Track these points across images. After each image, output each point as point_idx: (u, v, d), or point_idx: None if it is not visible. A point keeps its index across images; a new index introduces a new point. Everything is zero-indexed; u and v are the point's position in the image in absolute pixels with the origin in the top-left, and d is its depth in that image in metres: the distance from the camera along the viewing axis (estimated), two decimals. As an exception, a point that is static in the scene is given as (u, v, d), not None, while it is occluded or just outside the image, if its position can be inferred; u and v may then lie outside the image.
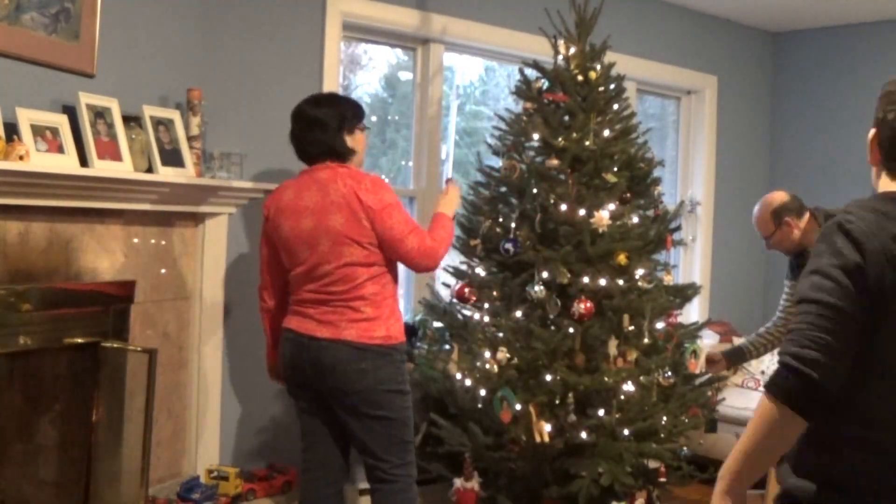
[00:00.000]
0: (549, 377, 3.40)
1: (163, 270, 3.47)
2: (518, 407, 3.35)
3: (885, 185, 1.67)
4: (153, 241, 3.42)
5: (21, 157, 2.73)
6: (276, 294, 3.09)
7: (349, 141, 3.01)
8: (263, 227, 3.05)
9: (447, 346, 3.84)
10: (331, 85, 4.01)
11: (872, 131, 1.71)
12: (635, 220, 3.66)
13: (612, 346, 3.46)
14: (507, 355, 3.44)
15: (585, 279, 3.46)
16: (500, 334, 3.51)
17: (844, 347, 1.47)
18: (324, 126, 2.96)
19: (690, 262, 5.72)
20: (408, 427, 3.00)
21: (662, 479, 3.62)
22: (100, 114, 3.07)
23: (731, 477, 1.54)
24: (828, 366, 1.45)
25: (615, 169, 3.63)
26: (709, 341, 5.11)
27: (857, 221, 1.54)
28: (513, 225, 3.64)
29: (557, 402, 3.43)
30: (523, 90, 3.82)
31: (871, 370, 1.50)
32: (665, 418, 3.52)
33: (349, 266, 2.86)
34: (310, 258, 2.89)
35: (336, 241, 2.85)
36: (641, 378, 3.50)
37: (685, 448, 3.67)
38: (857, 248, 1.51)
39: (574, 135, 3.60)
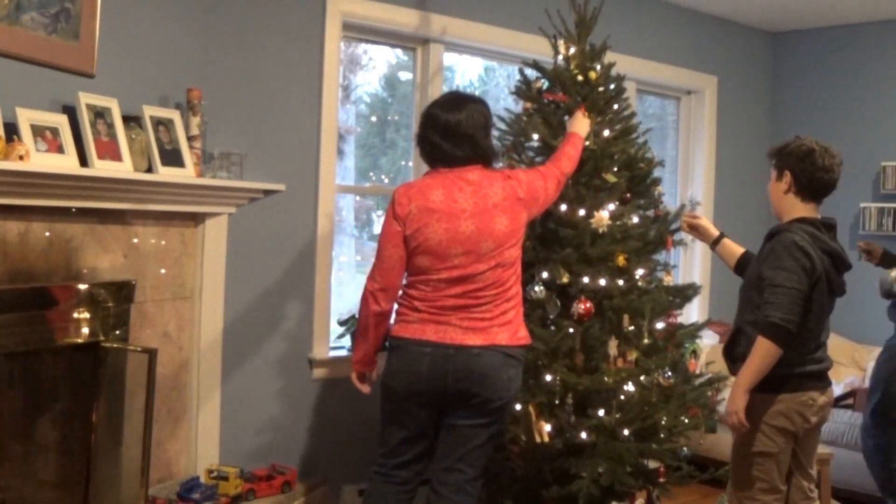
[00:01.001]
0: (549, 377, 3.40)
1: (163, 270, 3.47)
2: (518, 407, 3.35)
3: (799, 210, 2.98)
4: (153, 241, 3.42)
5: (21, 157, 2.74)
6: (395, 298, 2.93)
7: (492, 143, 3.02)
8: (393, 227, 2.86)
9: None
10: (331, 85, 4.01)
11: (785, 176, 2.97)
12: (635, 220, 3.66)
13: (612, 346, 3.46)
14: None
15: (585, 279, 3.46)
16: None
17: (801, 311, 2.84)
18: (472, 137, 2.87)
19: (690, 262, 5.72)
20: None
21: (662, 479, 3.62)
22: (100, 114, 3.07)
23: (747, 384, 2.84)
24: (795, 322, 2.80)
25: (615, 169, 3.63)
26: (709, 341, 5.11)
27: (801, 240, 2.86)
28: (513, 225, 3.64)
29: (557, 402, 3.43)
30: (523, 90, 3.82)
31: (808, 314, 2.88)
32: (665, 418, 3.52)
33: (502, 268, 2.85)
34: (465, 262, 2.81)
35: (498, 244, 2.83)
36: (641, 378, 3.50)
37: (685, 448, 3.67)
38: (807, 256, 2.84)
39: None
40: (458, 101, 2.95)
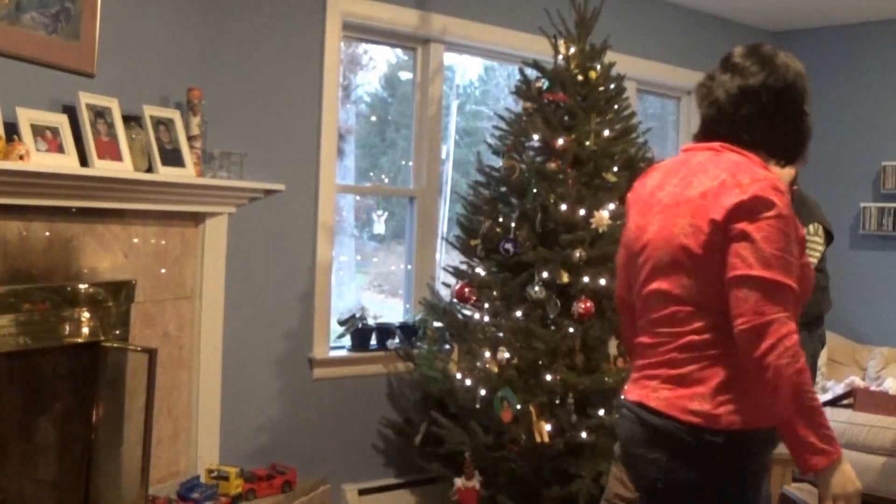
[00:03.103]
0: (549, 377, 3.40)
1: (163, 270, 3.47)
2: (518, 407, 3.36)
3: None
4: (153, 241, 3.42)
5: (21, 157, 2.74)
6: (630, 310, 2.10)
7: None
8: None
9: (447, 346, 3.84)
10: (331, 85, 4.01)
11: None
12: (635, 219, 3.66)
13: (612, 346, 3.47)
14: (508, 355, 3.45)
15: (585, 279, 3.46)
16: (501, 334, 3.51)
17: None
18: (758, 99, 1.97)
19: (690, 262, 5.71)
20: None
21: (662, 479, 3.61)
22: (100, 114, 3.07)
23: None
24: None
25: (615, 169, 3.63)
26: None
27: None
28: (513, 225, 3.64)
29: (557, 402, 3.43)
30: (523, 90, 3.83)
31: None
32: (665, 418, 3.52)
33: (676, 304, 1.89)
34: (649, 276, 1.96)
35: (672, 258, 1.89)
36: (641, 378, 3.50)
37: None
38: None
39: (574, 135, 3.60)
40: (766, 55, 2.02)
